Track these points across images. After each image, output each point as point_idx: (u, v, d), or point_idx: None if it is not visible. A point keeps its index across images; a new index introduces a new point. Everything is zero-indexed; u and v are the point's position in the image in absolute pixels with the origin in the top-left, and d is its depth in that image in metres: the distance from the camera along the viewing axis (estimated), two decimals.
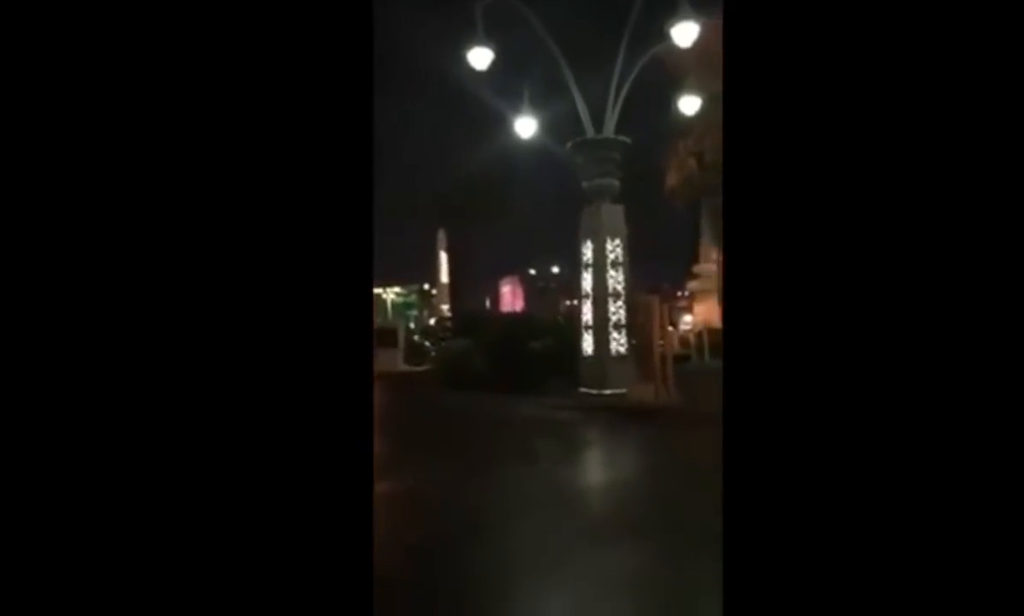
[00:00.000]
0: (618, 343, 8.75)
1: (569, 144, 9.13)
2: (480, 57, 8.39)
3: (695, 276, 23.52)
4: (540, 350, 10.29)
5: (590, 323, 8.95)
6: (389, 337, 15.32)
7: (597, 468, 5.40)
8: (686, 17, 8.16)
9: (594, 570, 2.70)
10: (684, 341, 18.26)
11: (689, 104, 10.82)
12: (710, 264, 21.49)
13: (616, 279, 8.85)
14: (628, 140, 9.02)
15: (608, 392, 8.38)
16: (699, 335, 17.94)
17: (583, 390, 8.67)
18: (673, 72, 11.66)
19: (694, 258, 23.89)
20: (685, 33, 8.27)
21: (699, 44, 8.44)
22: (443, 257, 46.08)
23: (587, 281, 9.05)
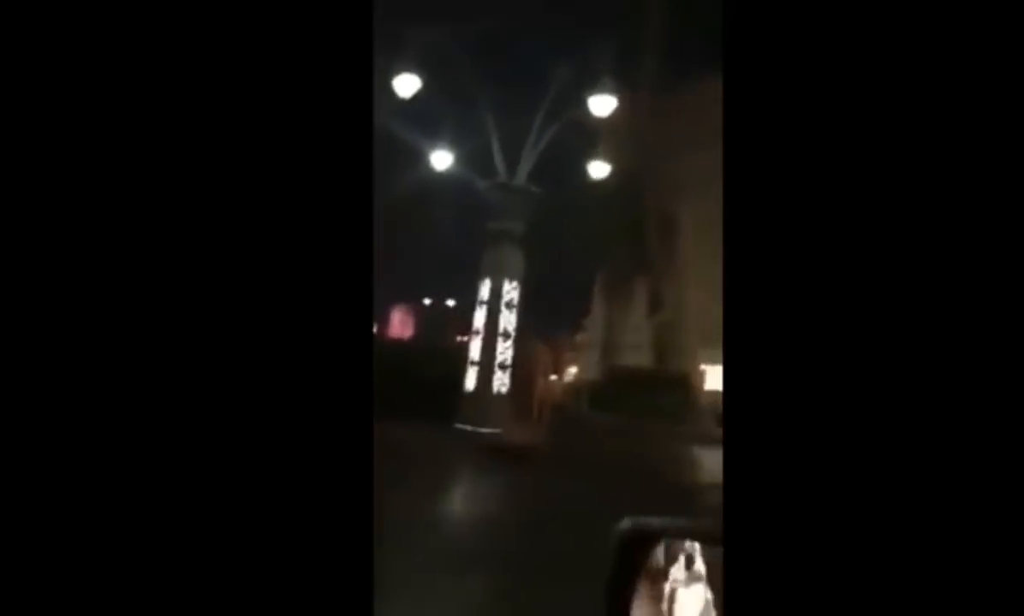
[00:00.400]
0: (501, 382, 8.90)
1: (482, 184, 9.35)
2: (407, 84, 8.45)
3: (584, 329, 24.40)
4: (423, 380, 10.22)
5: (476, 359, 9.05)
6: None
7: (459, 505, 5.42)
8: (605, 89, 8.70)
9: (438, 595, 2.73)
10: (566, 390, 18.80)
11: (598, 169, 11.41)
12: (598, 319, 22.42)
13: (508, 320, 9.06)
14: (537, 190, 9.37)
15: (485, 430, 8.46)
16: (580, 386, 18.55)
17: (460, 426, 8.70)
18: (588, 135, 12.30)
19: (586, 311, 24.81)
20: (602, 104, 8.80)
21: (613, 115, 9.01)
22: None
23: (479, 318, 9.18)
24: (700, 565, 0.86)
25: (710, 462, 9.90)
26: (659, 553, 0.83)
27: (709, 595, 0.82)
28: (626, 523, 0.80)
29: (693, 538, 0.84)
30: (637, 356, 19.60)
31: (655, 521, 0.83)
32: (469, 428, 8.54)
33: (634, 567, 0.80)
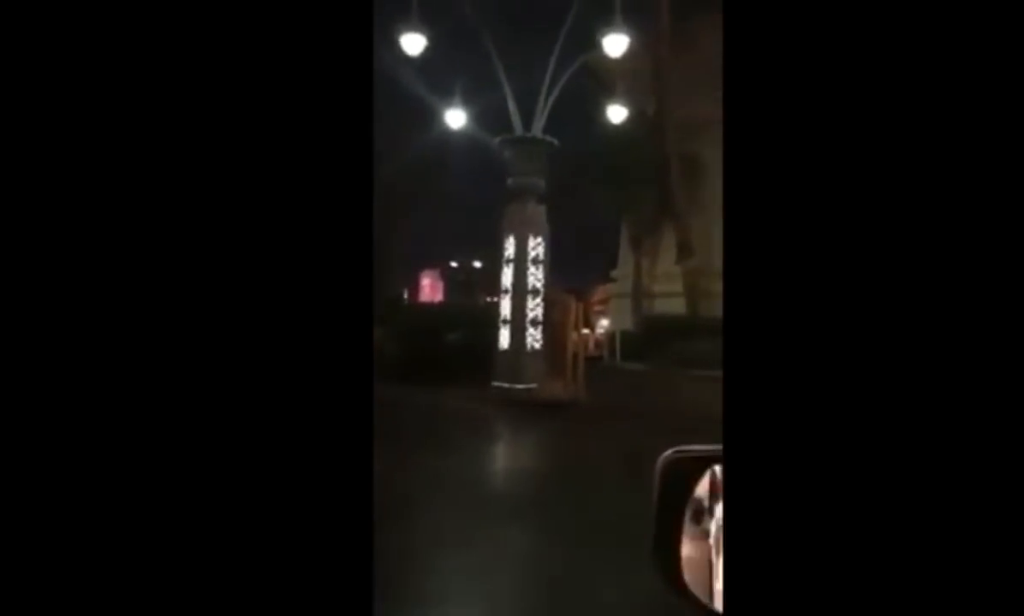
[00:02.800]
0: (534, 339, 8.91)
1: (497, 140, 9.20)
2: (413, 42, 8.30)
3: (613, 281, 24.22)
4: (456, 342, 10.31)
5: (507, 318, 9.06)
6: None
7: (502, 458, 5.50)
8: (618, 29, 8.42)
9: (490, 547, 2.77)
10: (598, 342, 18.80)
11: (617, 113, 11.16)
12: (627, 269, 22.23)
13: (536, 276, 9.01)
14: (555, 141, 9.20)
15: (520, 386, 8.52)
16: (612, 338, 18.51)
17: (496, 384, 8.77)
18: (603, 80, 11.99)
19: (612, 263, 24.59)
20: (616, 44, 8.53)
21: (627, 56, 8.74)
22: None
23: (507, 276, 9.16)
24: None
25: None
26: (704, 492, 0.82)
27: None
28: (669, 453, 0.79)
29: None
30: (668, 304, 19.38)
31: (698, 448, 0.82)
32: (506, 385, 8.61)
33: (681, 496, 0.79)
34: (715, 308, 18.10)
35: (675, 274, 19.23)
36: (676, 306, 18.56)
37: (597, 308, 24.70)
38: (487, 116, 9.78)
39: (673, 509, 0.79)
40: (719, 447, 0.82)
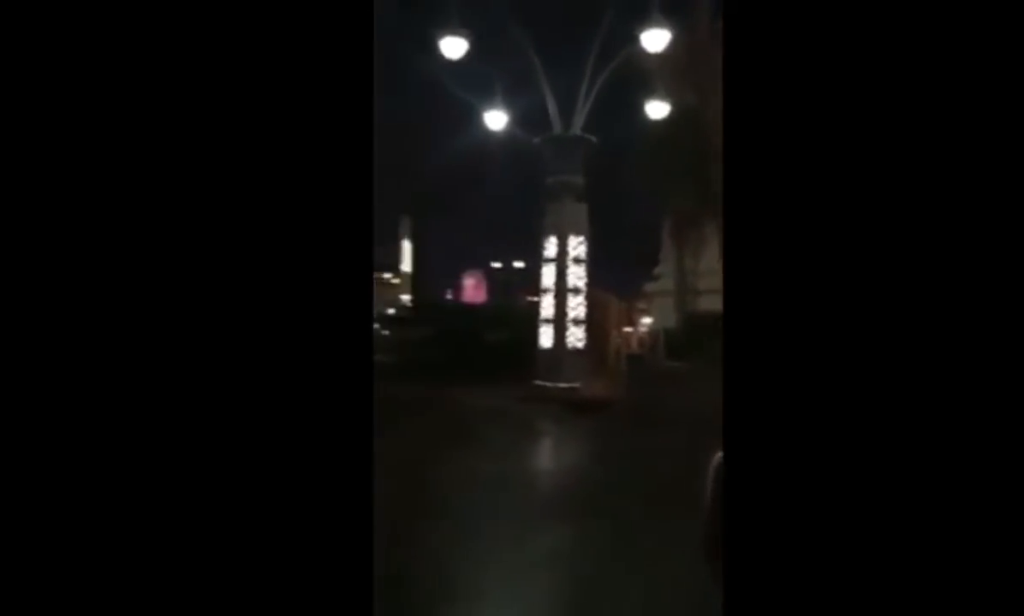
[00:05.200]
0: (575, 338, 8.89)
1: (536, 139, 9.21)
2: (453, 46, 8.38)
3: (656, 278, 23.89)
4: (497, 342, 10.37)
5: (549, 317, 9.06)
6: None
7: (545, 457, 5.51)
8: (657, 24, 8.32)
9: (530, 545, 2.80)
10: (641, 341, 18.57)
11: (657, 109, 11.01)
12: (669, 266, 21.89)
13: (577, 275, 8.98)
14: (593, 139, 9.14)
15: (563, 385, 8.50)
16: (655, 336, 18.26)
17: (538, 382, 8.78)
18: (644, 76, 11.86)
19: (655, 261, 24.25)
20: (655, 39, 8.43)
21: (666, 51, 8.63)
22: (406, 245, 45.64)
23: (548, 276, 9.15)
24: None
25: None
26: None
27: None
28: (721, 455, 0.81)
29: None
30: (712, 301, 18.95)
31: None
32: (548, 384, 8.61)
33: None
34: None
35: (718, 271, 18.78)
36: (719, 303, 18.09)
37: (640, 306, 24.37)
38: (528, 117, 9.80)
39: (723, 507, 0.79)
40: None
